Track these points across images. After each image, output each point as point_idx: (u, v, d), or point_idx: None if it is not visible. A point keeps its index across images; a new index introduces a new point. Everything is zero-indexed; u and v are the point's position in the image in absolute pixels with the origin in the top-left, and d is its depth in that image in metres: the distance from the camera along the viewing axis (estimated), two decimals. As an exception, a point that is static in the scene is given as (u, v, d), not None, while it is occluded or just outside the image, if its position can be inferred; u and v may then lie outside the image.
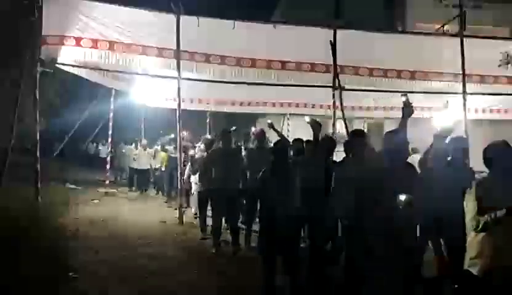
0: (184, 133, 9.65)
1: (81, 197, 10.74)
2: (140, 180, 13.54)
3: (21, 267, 4.77)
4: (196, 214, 8.41)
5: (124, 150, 15.27)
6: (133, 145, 14.03)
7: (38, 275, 4.59)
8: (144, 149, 13.34)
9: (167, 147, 12.51)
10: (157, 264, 5.63)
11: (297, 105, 13.23)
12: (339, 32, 8.71)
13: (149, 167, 13.37)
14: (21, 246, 5.29)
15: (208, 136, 9.56)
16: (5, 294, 4.16)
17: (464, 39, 9.19)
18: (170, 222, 8.42)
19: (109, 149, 13.39)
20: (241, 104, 13.16)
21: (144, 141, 13.66)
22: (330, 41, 8.62)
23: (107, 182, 12.82)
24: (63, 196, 9.81)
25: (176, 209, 8.86)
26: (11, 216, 6.59)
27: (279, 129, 7.77)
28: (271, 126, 7.28)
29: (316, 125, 5.17)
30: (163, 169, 12.30)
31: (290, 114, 14.03)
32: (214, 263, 5.87)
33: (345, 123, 8.65)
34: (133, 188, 13.62)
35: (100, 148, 19.10)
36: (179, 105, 8.59)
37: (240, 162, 6.79)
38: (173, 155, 11.16)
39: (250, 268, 5.07)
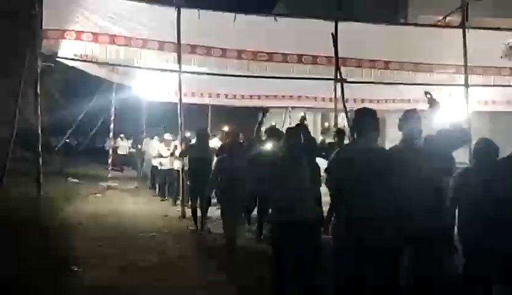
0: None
1: (83, 191, 10.78)
2: (163, 183, 10.94)
3: (23, 260, 4.78)
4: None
5: (143, 146, 13.10)
6: (156, 139, 11.69)
7: (40, 268, 4.61)
8: (167, 145, 10.55)
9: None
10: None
11: (299, 98, 13.18)
12: (340, 24, 8.66)
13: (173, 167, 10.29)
14: (23, 240, 5.30)
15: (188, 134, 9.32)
16: (7, 287, 4.18)
17: (467, 31, 9.13)
18: (172, 216, 8.47)
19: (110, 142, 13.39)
20: (243, 97, 13.12)
21: (167, 135, 10.82)
22: (332, 33, 8.57)
23: (109, 175, 12.84)
24: (65, 190, 9.83)
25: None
26: (13, 210, 6.60)
27: (277, 123, 7.04)
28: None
29: None
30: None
31: (291, 108, 14.02)
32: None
33: (347, 116, 8.62)
34: (157, 193, 11.22)
35: (118, 144, 16.87)
36: (180, 99, 8.58)
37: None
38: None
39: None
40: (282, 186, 3.93)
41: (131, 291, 4.55)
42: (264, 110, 7.56)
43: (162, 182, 10.99)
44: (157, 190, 11.42)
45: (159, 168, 10.86)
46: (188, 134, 9.92)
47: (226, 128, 8.86)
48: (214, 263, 5.55)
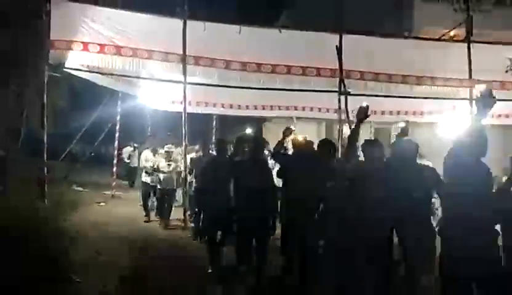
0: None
1: (87, 199, 10.83)
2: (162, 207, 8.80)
3: (25, 268, 4.82)
4: None
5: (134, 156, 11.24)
6: (150, 149, 9.55)
7: (41, 276, 4.64)
8: (168, 159, 8.74)
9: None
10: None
11: (303, 108, 13.20)
12: (345, 36, 8.70)
13: (174, 186, 8.79)
14: (25, 247, 5.34)
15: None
16: (8, 294, 4.21)
17: (471, 45, 9.14)
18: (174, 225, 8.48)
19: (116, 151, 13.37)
20: (247, 107, 13.16)
21: (169, 147, 8.97)
22: (336, 46, 8.62)
23: (113, 183, 12.89)
24: (69, 198, 9.89)
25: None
26: (16, 217, 6.66)
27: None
28: None
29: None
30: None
31: (296, 118, 14.02)
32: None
33: (350, 128, 8.62)
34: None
35: (132, 154, 15.02)
36: (184, 109, 8.63)
37: None
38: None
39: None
40: None
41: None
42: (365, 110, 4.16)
43: (159, 202, 8.90)
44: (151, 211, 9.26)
45: (157, 185, 8.84)
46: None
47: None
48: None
